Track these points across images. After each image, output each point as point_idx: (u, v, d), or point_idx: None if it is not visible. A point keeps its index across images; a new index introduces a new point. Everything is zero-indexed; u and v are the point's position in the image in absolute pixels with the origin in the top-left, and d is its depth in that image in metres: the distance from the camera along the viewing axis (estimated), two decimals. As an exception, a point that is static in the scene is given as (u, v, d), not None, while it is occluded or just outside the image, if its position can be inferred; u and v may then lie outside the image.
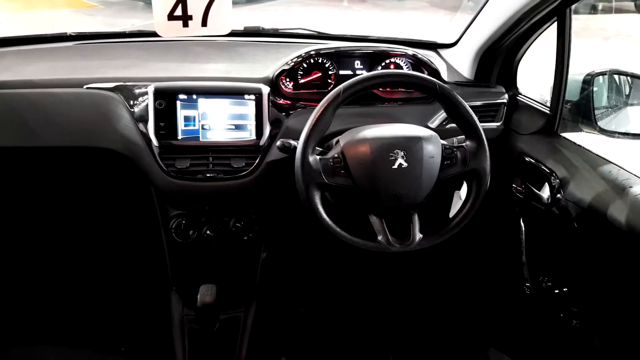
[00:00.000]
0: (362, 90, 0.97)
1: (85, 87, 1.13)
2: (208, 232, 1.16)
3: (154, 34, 1.44)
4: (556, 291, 1.13)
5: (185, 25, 0.88)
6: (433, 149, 0.98)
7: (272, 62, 1.23)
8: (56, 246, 1.53)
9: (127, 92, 1.13)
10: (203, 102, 1.09)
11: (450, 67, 1.38)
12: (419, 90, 1.12)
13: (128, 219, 1.38)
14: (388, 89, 1.27)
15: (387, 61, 1.27)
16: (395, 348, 1.00)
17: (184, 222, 1.15)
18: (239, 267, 1.23)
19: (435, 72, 1.24)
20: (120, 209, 1.35)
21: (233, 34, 1.50)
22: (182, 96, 1.08)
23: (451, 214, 1.03)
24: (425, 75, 1.03)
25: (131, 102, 1.12)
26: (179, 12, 0.88)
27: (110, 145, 1.10)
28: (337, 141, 1.02)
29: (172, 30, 0.89)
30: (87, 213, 1.40)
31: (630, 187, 0.95)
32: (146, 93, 1.09)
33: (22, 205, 1.30)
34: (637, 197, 0.93)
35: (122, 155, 1.11)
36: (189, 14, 0.88)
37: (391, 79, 1.02)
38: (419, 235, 0.98)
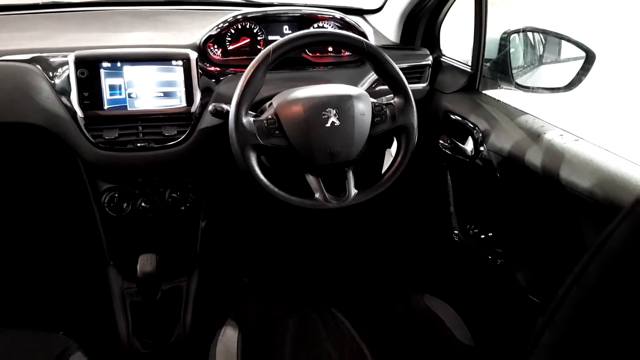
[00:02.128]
0: (292, 49, 0.98)
1: None
2: (143, 204, 1.13)
3: (70, 5, 1.39)
4: (482, 236, 1.22)
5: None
6: (364, 107, 1.01)
7: (198, 29, 1.20)
8: None
9: (45, 63, 1.07)
10: (128, 70, 1.06)
11: (376, 32, 1.41)
12: (347, 49, 1.14)
13: (58, 197, 1.33)
14: (318, 54, 1.29)
15: (315, 25, 1.28)
16: (335, 301, 1.04)
17: (116, 195, 1.11)
18: (178, 237, 1.22)
19: (362, 35, 1.27)
20: (48, 186, 1.29)
21: (156, 2, 1.46)
22: (105, 64, 1.04)
23: (383, 171, 1.07)
24: (353, 34, 1.05)
25: (51, 74, 1.07)
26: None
27: (31, 119, 1.04)
28: (270, 103, 1.03)
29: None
30: (13, 192, 1.33)
31: (544, 133, 1.03)
32: (67, 63, 1.04)
33: None
34: (550, 142, 1.01)
35: (45, 129, 1.05)
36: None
37: (320, 38, 1.04)
38: (354, 191, 1.02)
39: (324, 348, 0.96)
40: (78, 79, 1.02)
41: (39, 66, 1.06)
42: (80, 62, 1.02)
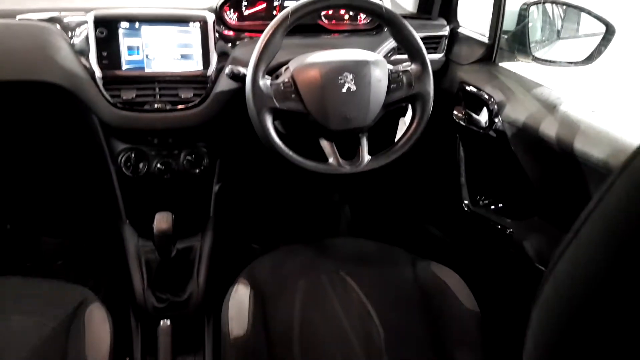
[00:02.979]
0: (310, 12, 0.98)
1: (17, 17, 1.07)
2: (158, 165, 1.15)
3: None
4: (492, 207, 1.23)
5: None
6: (380, 73, 1.01)
7: None
8: (5, 182, 1.49)
9: (64, 22, 1.08)
10: (146, 31, 1.06)
11: (393, 1, 1.40)
12: (366, 13, 1.14)
13: (75, 156, 1.35)
14: (334, 21, 1.29)
15: None
16: (344, 265, 1.06)
17: (133, 156, 1.13)
18: (193, 199, 1.24)
19: None
20: (66, 145, 1.31)
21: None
22: (124, 24, 1.05)
23: (397, 139, 1.08)
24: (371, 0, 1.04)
25: (69, 33, 1.08)
26: None
27: (50, 78, 1.06)
28: (287, 67, 1.03)
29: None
30: (31, 150, 1.36)
31: (560, 104, 1.03)
32: (85, 22, 1.05)
33: None
34: (566, 113, 1.00)
35: (63, 88, 1.07)
36: None
37: (339, 1, 1.03)
38: (367, 157, 1.03)
39: (332, 309, 0.98)
40: (97, 39, 1.03)
41: (58, 25, 1.07)
42: (99, 22, 1.03)
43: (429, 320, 0.98)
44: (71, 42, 1.07)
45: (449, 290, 1.02)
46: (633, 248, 0.32)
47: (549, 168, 1.05)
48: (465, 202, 1.25)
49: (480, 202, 1.25)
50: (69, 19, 1.08)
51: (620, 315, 0.34)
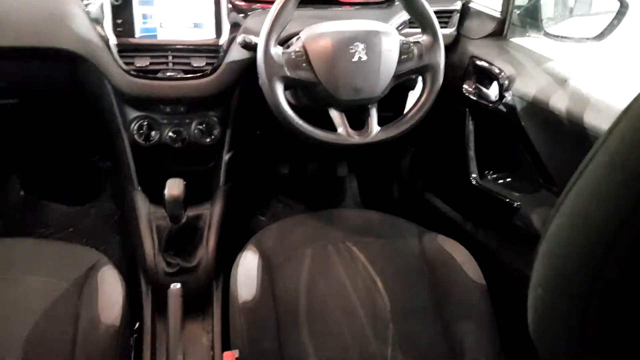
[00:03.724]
0: None
1: None
2: (170, 134, 1.17)
3: None
4: (500, 181, 1.24)
5: None
6: (391, 43, 1.02)
7: None
8: (22, 148, 1.52)
9: None
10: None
11: None
12: None
13: (87, 124, 1.37)
14: None
15: None
16: (350, 235, 1.08)
17: (145, 124, 1.15)
18: (203, 167, 1.26)
19: None
20: (80, 113, 1.33)
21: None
22: None
23: (406, 111, 1.08)
24: None
25: (85, 2, 1.09)
26: None
27: (66, 45, 1.07)
28: (299, 37, 1.04)
29: None
30: (45, 118, 1.38)
31: (571, 78, 1.03)
32: None
33: None
34: (576, 87, 1.01)
35: (79, 55, 1.08)
36: None
37: None
38: (376, 128, 1.04)
39: (338, 277, 1.00)
40: (112, 6, 1.04)
41: None
42: None
43: (435, 291, 0.99)
44: (86, 10, 1.08)
45: (456, 262, 1.03)
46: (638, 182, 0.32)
47: (558, 142, 1.05)
48: (473, 175, 1.26)
49: (488, 176, 1.26)
50: None
51: (629, 256, 0.34)
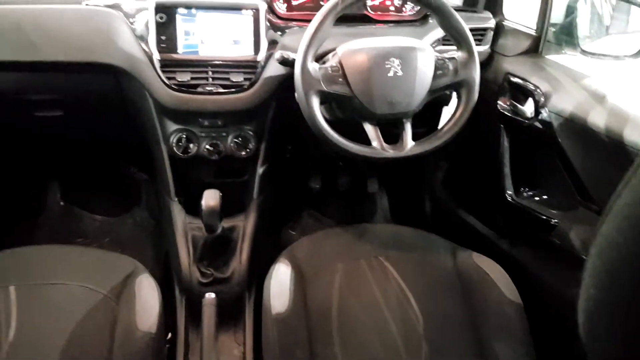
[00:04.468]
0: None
1: (84, 3, 1.14)
2: (207, 147, 1.20)
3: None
4: (537, 198, 1.22)
5: None
6: (426, 59, 1.03)
7: None
8: (63, 158, 1.57)
9: (126, 8, 1.14)
10: (202, 17, 1.11)
11: None
12: (415, 2, 1.16)
13: (128, 136, 1.42)
14: (379, 12, 1.31)
15: None
16: (383, 250, 1.08)
17: (184, 136, 1.18)
18: (238, 180, 1.28)
19: None
20: (120, 126, 1.38)
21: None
22: (181, 10, 1.10)
23: (441, 126, 1.09)
24: None
25: (131, 19, 1.14)
26: None
27: (111, 60, 1.12)
28: (335, 53, 1.06)
29: None
30: (87, 130, 1.43)
31: (610, 94, 1.02)
32: (146, 9, 1.11)
33: (22, 119, 1.32)
34: (615, 103, 0.99)
35: (123, 70, 1.13)
36: None
37: None
38: (411, 142, 1.04)
39: (370, 292, 1.00)
40: (157, 23, 1.09)
41: (120, 11, 1.13)
42: (159, 8, 1.09)
43: (469, 309, 0.98)
44: (132, 27, 1.13)
45: (490, 280, 1.02)
46: None
47: (597, 158, 1.04)
48: (509, 192, 1.25)
49: (524, 193, 1.25)
50: (131, 5, 1.14)
51: None
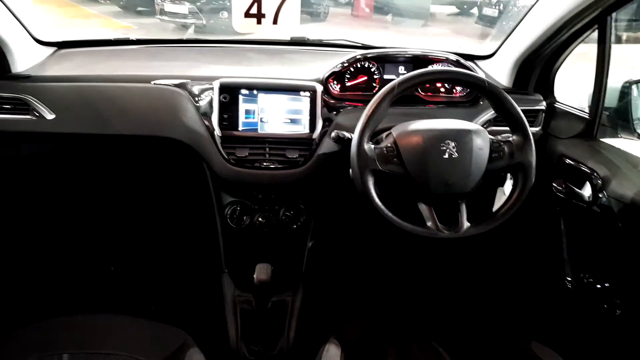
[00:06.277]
0: (416, 85, 1.04)
1: (152, 82, 1.23)
2: (260, 219, 1.22)
3: (208, 41, 1.58)
4: (598, 286, 1.16)
5: (259, 22, 0.98)
6: (482, 142, 1.04)
7: (319, 66, 1.31)
8: (117, 226, 1.62)
9: (191, 87, 1.22)
10: (262, 97, 1.18)
11: (488, 76, 1.44)
12: (469, 87, 1.18)
13: (185, 206, 1.46)
14: (429, 93, 1.34)
15: (430, 66, 1.34)
16: (438, 336, 1.04)
17: (238, 209, 1.22)
18: (287, 253, 1.29)
19: None
20: (179, 196, 1.43)
21: (281, 42, 1.61)
22: (244, 91, 1.17)
23: (497, 207, 1.08)
24: (474, 73, 1.09)
25: (196, 98, 1.21)
26: (254, 10, 0.98)
27: (176, 135, 1.19)
28: (389, 133, 1.08)
29: (247, 27, 0.99)
30: (148, 198, 1.49)
31: None
32: (210, 88, 1.18)
33: (90, 187, 1.39)
34: None
35: (185, 145, 1.19)
36: (263, 12, 0.98)
37: (443, 75, 1.09)
38: (466, 224, 1.03)
39: None
40: (220, 103, 1.16)
41: (185, 90, 1.21)
42: (223, 88, 1.16)
43: None
44: (197, 105, 1.20)
45: None
46: None
47: None
48: (568, 278, 1.20)
49: (585, 280, 1.20)
50: (196, 85, 1.22)
51: None
